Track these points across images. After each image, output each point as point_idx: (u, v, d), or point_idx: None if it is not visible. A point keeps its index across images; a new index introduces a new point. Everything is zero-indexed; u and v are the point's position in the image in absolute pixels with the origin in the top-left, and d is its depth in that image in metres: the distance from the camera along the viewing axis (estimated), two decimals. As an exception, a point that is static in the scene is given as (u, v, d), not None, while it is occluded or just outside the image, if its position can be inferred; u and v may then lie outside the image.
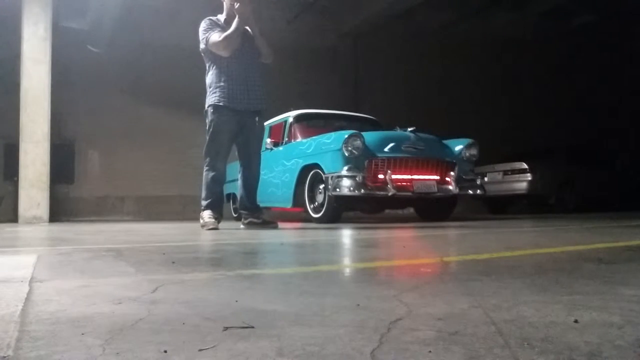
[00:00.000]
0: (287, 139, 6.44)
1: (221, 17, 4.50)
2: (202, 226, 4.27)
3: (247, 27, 4.38)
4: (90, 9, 9.29)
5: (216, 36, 4.27)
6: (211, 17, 4.47)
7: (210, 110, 4.35)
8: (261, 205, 4.87)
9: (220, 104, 4.30)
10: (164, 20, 9.99)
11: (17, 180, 7.54)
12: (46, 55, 7.47)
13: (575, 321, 0.90)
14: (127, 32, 9.67)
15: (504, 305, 1.06)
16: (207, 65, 4.45)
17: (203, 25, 4.40)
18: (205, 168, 4.40)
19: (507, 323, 0.90)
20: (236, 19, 4.24)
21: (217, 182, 4.42)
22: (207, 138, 4.38)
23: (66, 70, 8.65)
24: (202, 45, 4.38)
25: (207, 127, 4.39)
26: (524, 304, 1.06)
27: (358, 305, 1.07)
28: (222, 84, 4.32)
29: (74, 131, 10.03)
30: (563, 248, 2.43)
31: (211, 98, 4.35)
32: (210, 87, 4.40)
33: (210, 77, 4.41)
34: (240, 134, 4.41)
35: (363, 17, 10.86)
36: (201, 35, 4.37)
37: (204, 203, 4.38)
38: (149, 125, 10.25)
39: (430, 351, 0.75)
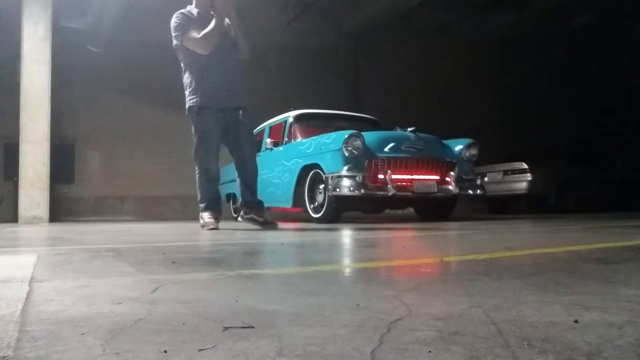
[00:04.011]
0: (287, 139, 6.43)
1: (193, 10, 4.27)
2: (202, 226, 4.25)
3: (227, 20, 4.20)
4: (90, 9, 9.29)
5: (194, 33, 4.06)
6: (182, 11, 4.23)
7: (193, 111, 4.18)
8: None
9: (203, 104, 4.15)
10: (164, 21, 9.92)
11: (17, 180, 7.54)
12: (46, 55, 7.47)
13: (575, 321, 0.90)
14: (127, 32, 9.67)
15: (504, 305, 1.05)
16: (183, 63, 4.24)
17: (175, 20, 4.14)
18: (198, 170, 4.30)
19: (507, 323, 0.90)
20: (215, 17, 4.04)
21: (212, 181, 4.36)
22: (195, 140, 4.24)
23: (66, 70, 8.65)
24: (175, 42, 4.13)
25: (193, 130, 4.24)
26: (524, 304, 1.06)
27: (358, 305, 1.07)
28: (202, 83, 4.14)
29: (74, 131, 10.04)
30: (563, 248, 2.43)
31: (192, 99, 4.17)
32: (189, 87, 4.20)
33: (188, 77, 4.22)
34: (227, 132, 4.26)
35: (363, 17, 10.86)
36: (174, 31, 4.10)
37: (202, 205, 4.32)
38: (149, 125, 10.25)
39: (430, 351, 0.75)
